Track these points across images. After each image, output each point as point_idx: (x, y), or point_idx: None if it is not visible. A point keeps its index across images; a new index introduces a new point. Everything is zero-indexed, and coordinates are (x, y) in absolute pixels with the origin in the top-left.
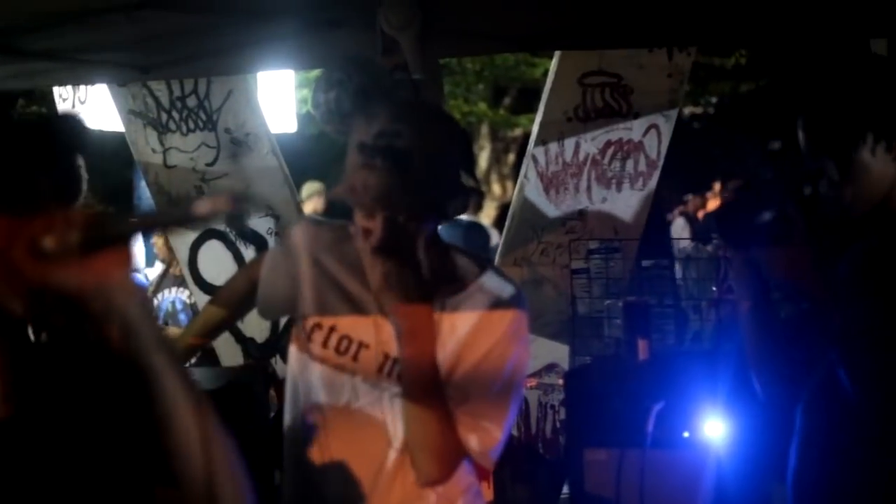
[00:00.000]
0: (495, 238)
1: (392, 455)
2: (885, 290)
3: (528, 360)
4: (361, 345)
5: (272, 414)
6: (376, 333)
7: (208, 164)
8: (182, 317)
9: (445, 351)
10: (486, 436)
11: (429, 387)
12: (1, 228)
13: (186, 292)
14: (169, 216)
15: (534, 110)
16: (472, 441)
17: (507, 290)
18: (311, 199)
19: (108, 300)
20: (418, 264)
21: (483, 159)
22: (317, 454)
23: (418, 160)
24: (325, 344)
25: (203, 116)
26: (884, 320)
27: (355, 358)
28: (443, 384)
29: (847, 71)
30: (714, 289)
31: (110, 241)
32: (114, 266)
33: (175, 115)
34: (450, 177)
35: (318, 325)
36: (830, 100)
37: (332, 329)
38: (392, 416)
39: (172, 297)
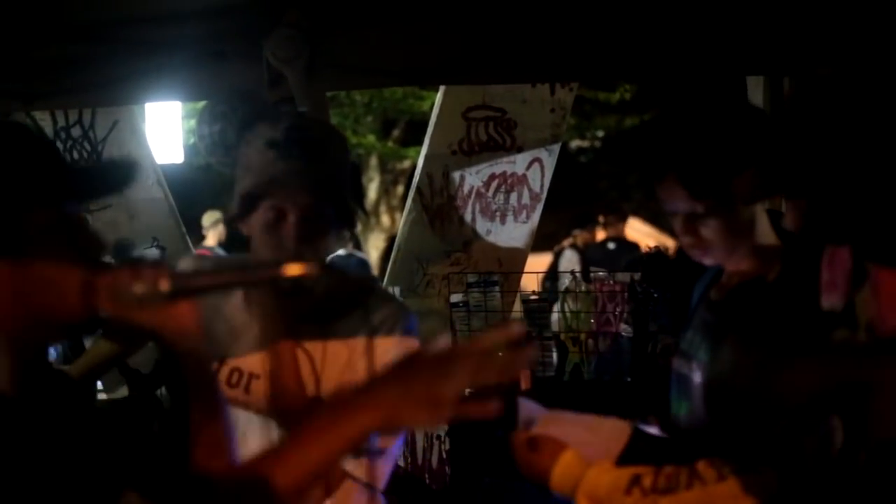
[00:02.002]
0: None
1: None
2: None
3: None
4: (252, 376)
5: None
6: (263, 364)
7: None
8: (51, 351)
9: (330, 376)
10: (371, 457)
11: (299, 414)
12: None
13: None
14: (246, 278)
15: (422, 142)
16: (354, 461)
17: (394, 312)
18: (214, 228)
19: (176, 343)
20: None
21: (372, 191)
22: None
23: (328, 155)
24: (228, 382)
25: (88, 147)
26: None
27: (247, 390)
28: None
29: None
30: (593, 322)
31: (190, 294)
32: (187, 315)
33: (59, 145)
34: (345, 189)
35: (223, 362)
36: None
37: (222, 362)
38: None
39: None
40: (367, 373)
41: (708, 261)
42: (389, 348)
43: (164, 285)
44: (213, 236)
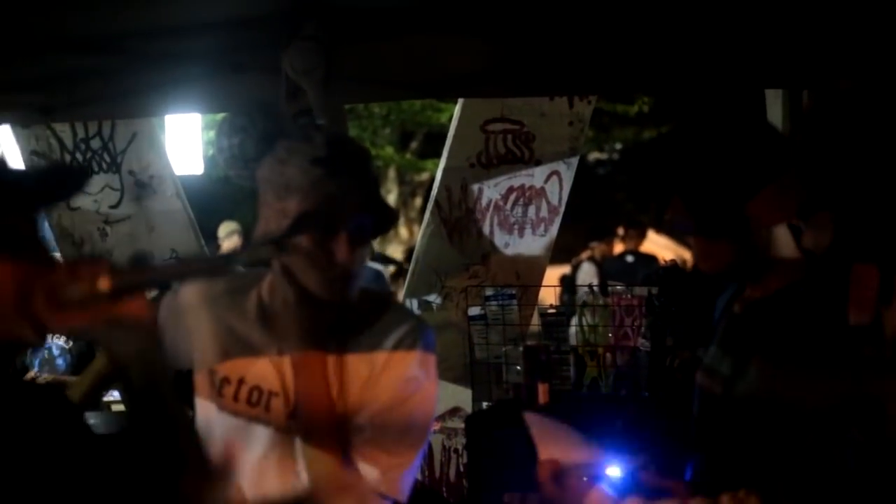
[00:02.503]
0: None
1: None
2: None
3: (435, 397)
4: (272, 394)
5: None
6: (283, 380)
7: (112, 207)
8: (60, 362)
9: (351, 391)
10: (392, 471)
11: (326, 429)
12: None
13: (63, 337)
14: (186, 268)
15: (440, 154)
16: (377, 475)
17: (413, 327)
18: (230, 239)
19: (125, 343)
20: (346, 301)
21: (390, 203)
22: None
23: (370, 169)
24: (235, 397)
25: (107, 158)
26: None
27: (267, 408)
28: (343, 426)
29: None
30: (610, 335)
31: (132, 289)
32: (134, 311)
33: (79, 156)
34: (382, 201)
35: (227, 380)
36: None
37: (240, 382)
38: (302, 463)
39: (49, 343)
40: (388, 388)
41: (726, 279)
42: (410, 364)
43: (104, 283)
44: (228, 248)
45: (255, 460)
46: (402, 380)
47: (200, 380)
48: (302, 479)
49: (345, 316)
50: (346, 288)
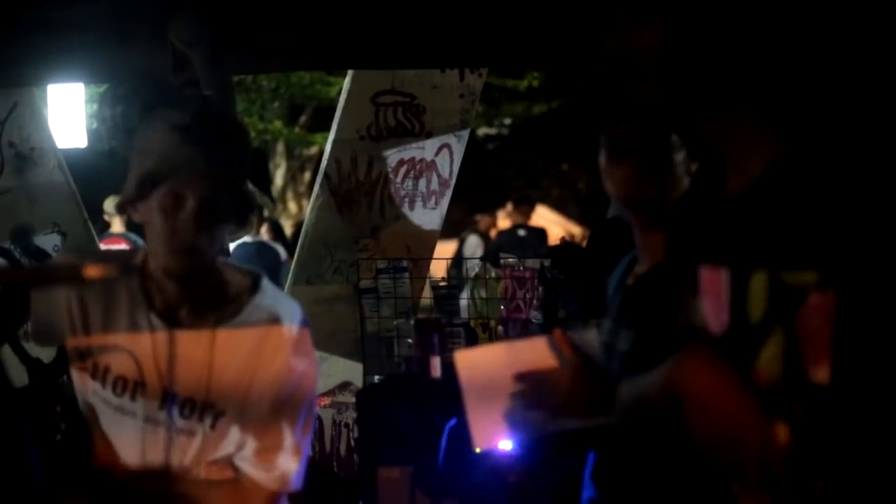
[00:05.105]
0: (283, 254)
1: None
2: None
3: (314, 375)
4: (137, 384)
5: (58, 436)
6: (153, 369)
7: None
8: None
9: (227, 375)
10: (280, 466)
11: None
12: None
13: None
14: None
15: (329, 129)
16: (264, 473)
17: (284, 306)
18: (120, 213)
19: None
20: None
21: (279, 177)
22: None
23: (233, 144)
24: (103, 384)
25: None
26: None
27: (133, 397)
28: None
29: None
30: (502, 308)
31: None
32: None
33: None
34: (244, 179)
35: (96, 365)
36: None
37: (106, 370)
38: (177, 451)
39: None
40: (266, 365)
41: (630, 212)
42: (286, 340)
43: None
44: (118, 222)
45: (128, 449)
46: (276, 363)
47: (74, 361)
48: (174, 468)
49: (209, 295)
50: (190, 262)
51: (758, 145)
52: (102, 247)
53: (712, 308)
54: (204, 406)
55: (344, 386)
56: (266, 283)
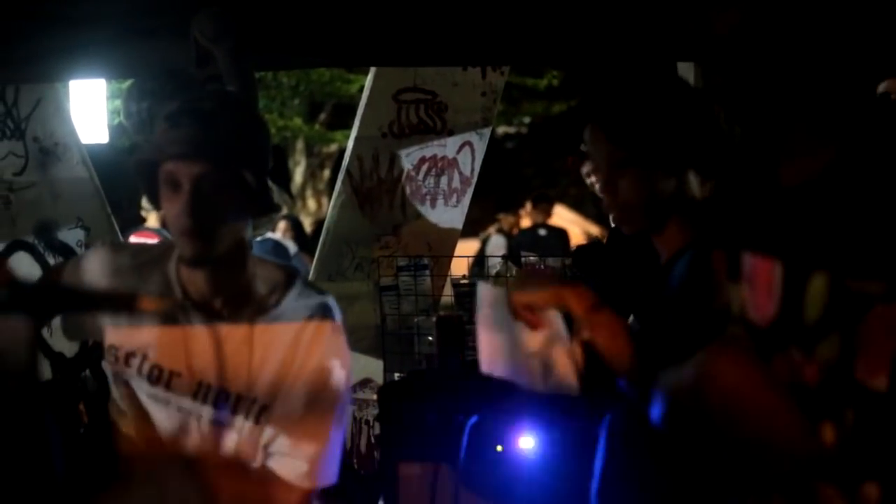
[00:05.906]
0: (292, 249)
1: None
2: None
3: (347, 371)
4: (173, 373)
5: (81, 430)
6: (187, 359)
7: (16, 174)
8: None
9: (263, 368)
10: (313, 461)
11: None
12: None
13: None
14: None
15: (349, 126)
16: (297, 469)
17: (319, 302)
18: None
19: None
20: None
21: (298, 175)
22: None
23: (221, 125)
24: (139, 372)
25: (10, 125)
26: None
27: (168, 387)
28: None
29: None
30: None
31: None
32: None
33: None
34: (258, 171)
35: (132, 353)
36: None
37: (144, 358)
38: (208, 442)
39: None
40: (302, 360)
41: (626, 227)
42: (321, 336)
43: None
44: (154, 217)
45: (160, 438)
46: (311, 358)
47: (108, 353)
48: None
49: (246, 291)
50: (197, 246)
51: (821, 141)
52: (133, 239)
53: (758, 298)
54: (238, 399)
55: (364, 383)
56: (302, 280)
